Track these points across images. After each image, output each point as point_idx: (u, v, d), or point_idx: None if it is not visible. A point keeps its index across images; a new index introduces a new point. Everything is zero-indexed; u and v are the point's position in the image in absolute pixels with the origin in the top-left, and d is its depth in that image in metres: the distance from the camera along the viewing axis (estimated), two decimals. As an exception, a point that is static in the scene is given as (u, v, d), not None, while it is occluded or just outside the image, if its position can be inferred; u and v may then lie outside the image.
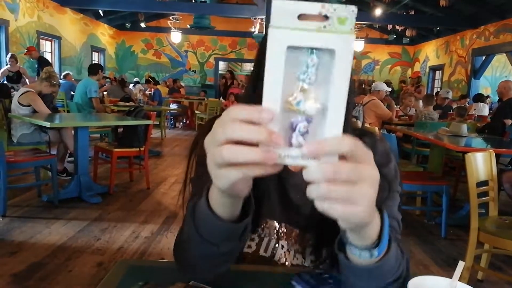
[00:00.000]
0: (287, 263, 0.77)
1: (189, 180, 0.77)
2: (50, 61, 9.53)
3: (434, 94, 8.56)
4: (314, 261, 0.75)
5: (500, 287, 2.33)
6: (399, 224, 0.72)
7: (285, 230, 0.77)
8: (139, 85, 10.10)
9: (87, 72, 5.58)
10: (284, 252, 0.77)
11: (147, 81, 8.86)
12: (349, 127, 0.70)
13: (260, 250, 0.77)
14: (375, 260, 0.50)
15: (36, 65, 7.35)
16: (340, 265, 0.54)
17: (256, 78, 0.69)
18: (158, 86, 10.00)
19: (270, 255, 0.77)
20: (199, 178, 0.75)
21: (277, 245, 0.77)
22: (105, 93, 7.90)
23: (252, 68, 0.76)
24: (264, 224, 0.76)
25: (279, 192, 0.74)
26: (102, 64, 12.84)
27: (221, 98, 10.17)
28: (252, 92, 0.70)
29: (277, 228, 0.77)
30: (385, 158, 0.74)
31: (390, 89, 5.69)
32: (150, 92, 8.60)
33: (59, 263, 2.29)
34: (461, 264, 0.58)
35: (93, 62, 12.35)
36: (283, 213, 0.76)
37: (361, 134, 0.75)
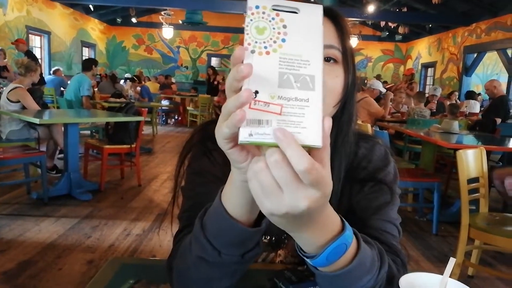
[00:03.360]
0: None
1: (180, 188, 0.74)
2: (40, 56, 9.40)
3: (427, 91, 8.64)
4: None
5: (491, 282, 2.35)
6: (398, 228, 0.71)
7: (285, 241, 0.77)
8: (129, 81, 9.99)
9: (81, 67, 5.40)
10: (281, 260, 0.77)
11: (132, 80, 8.52)
12: (351, 136, 0.69)
13: (259, 260, 0.77)
14: (332, 269, 0.49)
15: None
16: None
17: None
18: (149, 82, 9.91)
19: (268, 263, 0.77)
20: (191, 190, 0.72)
21: (274, 255, 0.77)
22: (95, 89, 7.80)
23: None
24: (263, 240, 0.75)
25: None
26: (93, 60, 12.72)
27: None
28: None
29: (275, 241, 0.77)
30: (383, 162, 0.73)
31: (385, 90, 5.71)
32: (138, 88, 8.49)
33: (49, 261, 2.26)
34: (452, 261, 0.57)
35: (85, 58, 12.23)
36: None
37: (359, 138, 0.74)
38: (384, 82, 11.32)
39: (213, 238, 0.53)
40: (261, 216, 0.52)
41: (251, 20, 0.38)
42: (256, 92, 0.37)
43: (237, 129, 0.37)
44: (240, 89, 0.37)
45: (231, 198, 0.49)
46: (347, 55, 0.63)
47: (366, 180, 0.72)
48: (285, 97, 0.37)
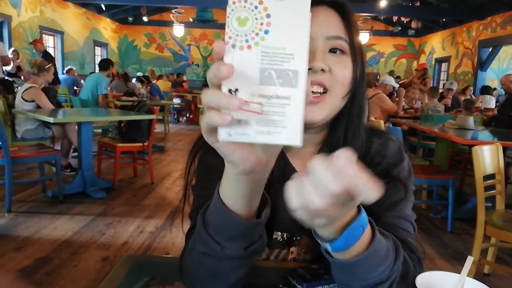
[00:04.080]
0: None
1: (190, 185, 0.74)
2: (53, 56, 9.53)
3: (441, 86, 8.51)
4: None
5: (507, 281, 2.31)
6: (413, 225, 0.70)
7: (298, 238, 0.75)
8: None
9: (98, 67, 5.68)
10: (294, 257, 0.76)
11: (141, 81, 8.55)
12: (362, 129, 0.69)
13: (271, 257, 0.77)
14: (349, 256, 0.49)
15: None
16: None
17: None
18: (160, 81, 9.96)
19: (281, 261, 0.76)
20: (202, 189, 0.72)
21: (286, 252, 0.76)
22: (108, 88, 7.88)
23: None
24: (275, 237, 0.75)
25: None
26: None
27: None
28: None
29: (288, 238, 0.76)
30: (397, 158, 0.72)
31: (398, 85, 5.65)
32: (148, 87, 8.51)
33: (64, 258, 2.29)
34: (469, 260, 0.57)
35: (98, 57, 12.38)
36: (294, 222, 0.75)
37: (372, 134, 0.73)
38: (397, 77, 11.20)
39: (215, 233, 0.54)
40: (261, 208, 0.53)
41: (232, 10, 0.36)
42: (236, 90, 0.36)
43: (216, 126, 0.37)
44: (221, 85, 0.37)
45: (228, 193, 0.49)
46: (355, 47, 0.64)
47: (380, 176, 0.71)
48: (265, 95, 0.36)
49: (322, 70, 0.61)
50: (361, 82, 0.65)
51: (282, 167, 0.70)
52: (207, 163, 0.72)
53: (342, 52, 0.63)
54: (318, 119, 0.63)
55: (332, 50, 0.63)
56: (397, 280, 0.56)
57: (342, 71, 0.62)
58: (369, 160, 0.71)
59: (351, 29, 0.64)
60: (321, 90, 0.61)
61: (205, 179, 0.72)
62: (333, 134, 0.69)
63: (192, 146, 0.74)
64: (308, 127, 0.60)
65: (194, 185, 0.74)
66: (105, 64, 5.50)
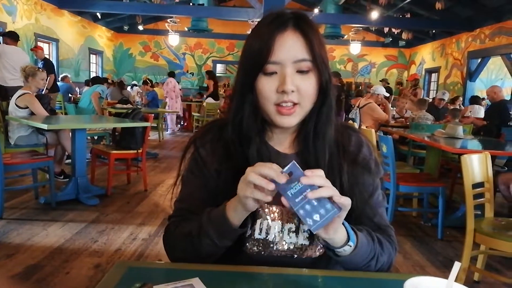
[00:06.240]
0: (282, 242, 0.82)
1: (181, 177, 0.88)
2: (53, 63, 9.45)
3: (432, 98, 8.60)
4: (308, 238, 0.82)
5: (496, 288, 2.34)
6: (385, 207, 0.89)
7: (278, 211, 0.82)
8: (137, 87, 10.07)
9: (92, 82, 6.60)
10: (278, 232, 0.82)
11: (145, 82, 8.75)
12: (333, 126, 0.82)
13: (255, 234, 0.82)
14: (350, 252, 0.73)
15: (41, 66, 7.04)
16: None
17: (241, 88, 0.79)
18: (155, 89, 9.97)
19: (265, 236, 0.81)
20: (189, 178, 0.87)
21: (270, 226, 0.82)
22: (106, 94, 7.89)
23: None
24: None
25: None
26: (100, 67, 12.87)
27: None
28: (239, 104, 0.80)
29: (269, 210, 0.82)
30: (369, 151, 0.88)
31: (388, 95, 5.71)
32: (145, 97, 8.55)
33: (56, 265, 2.28)
34: (457, 265, 0.58)
35: (94, 64, 12.37)
36: (276, 196, 0.84)
37: (346, 128, 0.89)
38: (398, 84, 11.35)
39: (212, 232, 0.76)
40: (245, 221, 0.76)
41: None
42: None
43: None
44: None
45: (233, 215, 0.73)
46: (317, 61, 0.75)
47: (361, 165, 0.85)
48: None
49: (292, 91, 0.73)
50: (329, 86, 0.78)
51: (264, 148, 0.84)
52: (198, 155, 0.86)
53: (308, 70, 0.75)
54: (292, 124, 0.78)
55: (299, 71, 0.74)
56: (378, 254, 0.78)
57: (308, 88, 0.75)
58: (352, 148, 0.86)
59: (313, 47, 0.74)
60: (291, 104, 0.75)
61: (193, 169, 0.86)
62: (305, 126, 0.82)
63: (188, 143, 0.88)
64: (285, 128, 0.79)
65: (184, 174, 0.88)
66: (99, 79, 6.53)
